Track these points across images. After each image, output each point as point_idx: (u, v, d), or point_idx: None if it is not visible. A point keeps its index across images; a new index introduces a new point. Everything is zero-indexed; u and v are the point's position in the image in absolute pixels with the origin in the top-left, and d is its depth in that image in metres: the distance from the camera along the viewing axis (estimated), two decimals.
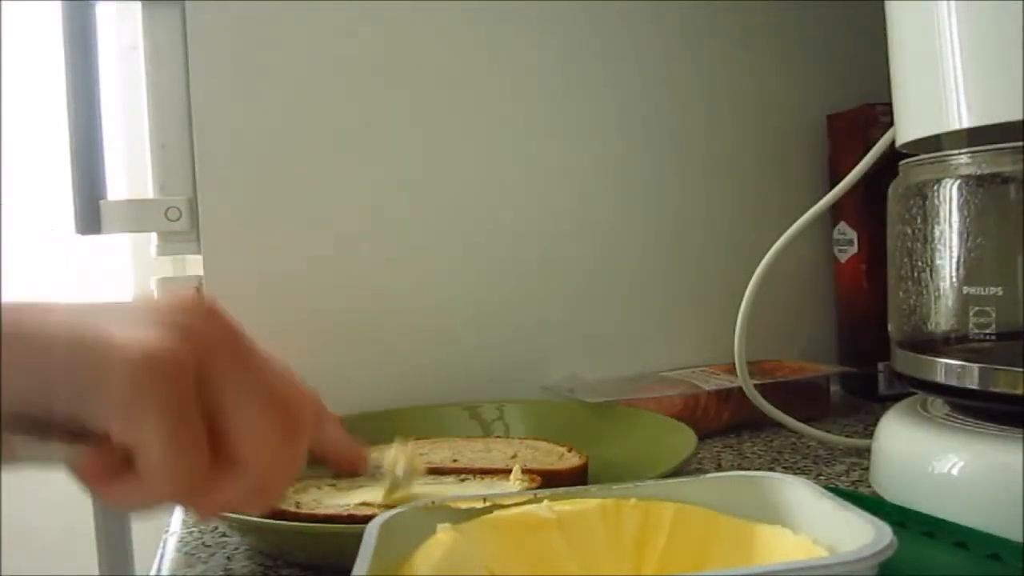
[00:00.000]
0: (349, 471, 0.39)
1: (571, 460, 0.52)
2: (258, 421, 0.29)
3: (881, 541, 0.26)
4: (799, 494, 0.33)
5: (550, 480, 0.47)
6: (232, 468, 0.29)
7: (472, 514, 0.33)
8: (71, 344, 0.27)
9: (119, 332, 0.27)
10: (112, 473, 0.28)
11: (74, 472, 0.28)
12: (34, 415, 0.27)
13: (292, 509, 0.44)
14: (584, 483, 0.50)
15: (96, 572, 0.74)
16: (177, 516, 0.52)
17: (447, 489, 0.47)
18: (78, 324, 0.27)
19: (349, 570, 0.41)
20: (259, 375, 0.30)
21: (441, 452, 0.55)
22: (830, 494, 0.32)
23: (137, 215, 0.66)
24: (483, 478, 0.49)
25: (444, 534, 0.31)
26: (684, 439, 0.53)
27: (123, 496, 0.28)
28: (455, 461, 0.53)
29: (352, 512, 0.43)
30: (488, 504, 0.33)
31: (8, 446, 0.28)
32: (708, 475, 0.35)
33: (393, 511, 0.31)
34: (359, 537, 0.39)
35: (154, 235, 0.67)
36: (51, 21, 0.68)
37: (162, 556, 0.47)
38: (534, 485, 0.47)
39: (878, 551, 0.26)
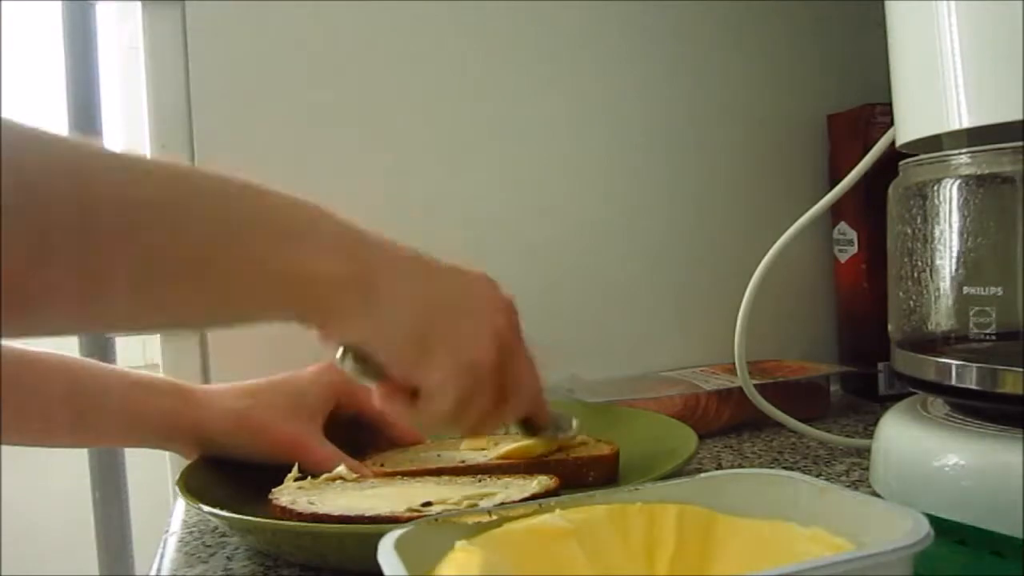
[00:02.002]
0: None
1: (603, 448, 0.53)
2: (527, 372, 0.44)
3: (920, 530, 0.26)
4: (802, 489, 0.33)
5: (594, 465, 0.51)
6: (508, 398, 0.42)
7: (481, 528, 0.32)
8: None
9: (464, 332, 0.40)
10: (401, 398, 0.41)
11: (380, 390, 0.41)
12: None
13: (292, 507, 0.44)
14: (616, 470, 0.52)
15: (96, 572, 0.74)
16: (177, 516, 0.52)
17: (460, 490, 0.47)
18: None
19: (349, 570, 0.41)
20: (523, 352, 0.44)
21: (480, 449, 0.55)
22: (836, 487, 0.32)
23: None
24: (500, 478, 0.49)
25: (463, 552, 0.30)
26: (684, 439, 0.53)
27: (411, 415, 0.41)
28: (485, 455, 0.53)
29: (347, 512, 0.43)
30: (496, 518, 0.33)
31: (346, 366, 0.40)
32: (710, 474, 0.35)
33: (402, 529, 0.31)
34: (359, 538, 0.39)
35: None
36: (51, 21, 0.68)
37: (162, 556, 0.47)
38: (553, 485, 0.47)
39: (920, 539, 0.26)
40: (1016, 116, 0.39)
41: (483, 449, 0.56)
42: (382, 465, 0.54)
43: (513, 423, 0.47)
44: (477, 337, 0.40)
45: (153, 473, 0.67)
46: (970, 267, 0.46)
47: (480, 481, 0.49)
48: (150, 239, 0.32)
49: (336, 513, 0.43)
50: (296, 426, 0.53)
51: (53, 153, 0.30)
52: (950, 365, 0.45)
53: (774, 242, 0.59)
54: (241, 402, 0.53)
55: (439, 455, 0.55)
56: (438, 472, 0.51)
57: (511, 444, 0.55)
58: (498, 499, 0.44)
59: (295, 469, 0.50)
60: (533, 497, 0.44)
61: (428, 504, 0.44)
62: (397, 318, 0.38)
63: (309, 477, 0.50)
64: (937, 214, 0.47)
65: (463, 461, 0.53)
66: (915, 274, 0.49)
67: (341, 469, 0.51)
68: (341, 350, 0.40)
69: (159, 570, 0.45)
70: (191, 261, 0.33)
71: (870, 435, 0.50)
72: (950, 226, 0.47)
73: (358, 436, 0.57)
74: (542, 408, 0.47)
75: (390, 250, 0.40)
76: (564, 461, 0.51)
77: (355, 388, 0.58)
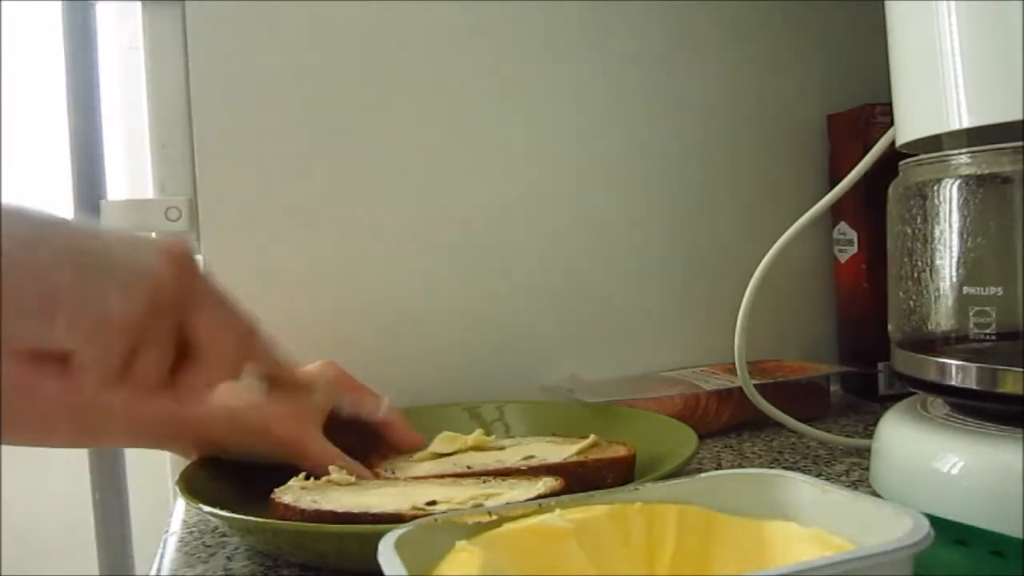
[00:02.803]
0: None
1: (620, 450, 0.52)
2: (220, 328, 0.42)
3: (920, 530, 0.26)
4: (802, 489, 0.33)
5: (612, 467, 0.50)
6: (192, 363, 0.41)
7: (481, 528, 0.32)
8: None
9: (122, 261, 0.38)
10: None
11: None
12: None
13: (294, 504, 0.44)
14: (633, 471, 0.51)
15: (96, 572, 0.74)
16: (177, 516, 0.52)
17: (465, 490, 0.47)
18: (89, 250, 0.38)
19: (349, 570, 0.41)
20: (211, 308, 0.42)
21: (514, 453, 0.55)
22: (836, 487, 0.32)
23: (137, 215, 0.66)
24: (505, 479, 0.49)
25: (464, 552, 0.30)
26: (684, 439, 0.53)
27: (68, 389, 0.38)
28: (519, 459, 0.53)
29: (351, 511, 0.43)
30: (495, 518, 0.33)
31: None
32: (710, 474, 0.35)
33: (402, 529, 0.31)
34: (359, 538, 0.39)
35: (154, 235, 0.67)
36: (51, 21, 0.67)
37: (162, 556, 0.47)
38: (559, 487, 0.47)
39: (920, 539, 0.26)
40: (1016, 116, 0.39)
41: (496, 450, 0.55)
42: (393, 472, 0.53)
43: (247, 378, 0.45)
44: (117, 289, 0.38)
45: (153, 473, 0.67)
46: (970, 267, 0.46)
47: (485, 482, 0.49)
48: None
49: (339, 511, 0.43)
50: (295, 425, 0.52)
51: None
52: (950, 365, 0.45)
53: (774, 242, 0.59)
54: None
55: (453, 463, 0.54)
56: (442, 475, 0.51)
57: (527, 448, 0.55)
58: (503, 499, 0.44)
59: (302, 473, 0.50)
60: (537, 498, 0.44)
61: (433, 503, 0.44)
62: (9, 281, 0.35)
63: (313, 478, 0.50)
64: (937, 214, 0.47)
65: (469, 466, 0.53)
66: (915, 274, 0.49)
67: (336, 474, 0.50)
68: None
69: (159, 570, 0.45)
70: None
71: (870, 435, 0.51)
72: (950, 226, 0.47)
73: (359, 436, 0.57)
74: (268, 363, 0.45)
75: (15, 215, 0.37)
76: (583, 463, 0.51)
77: (357, 387, 0.58)
